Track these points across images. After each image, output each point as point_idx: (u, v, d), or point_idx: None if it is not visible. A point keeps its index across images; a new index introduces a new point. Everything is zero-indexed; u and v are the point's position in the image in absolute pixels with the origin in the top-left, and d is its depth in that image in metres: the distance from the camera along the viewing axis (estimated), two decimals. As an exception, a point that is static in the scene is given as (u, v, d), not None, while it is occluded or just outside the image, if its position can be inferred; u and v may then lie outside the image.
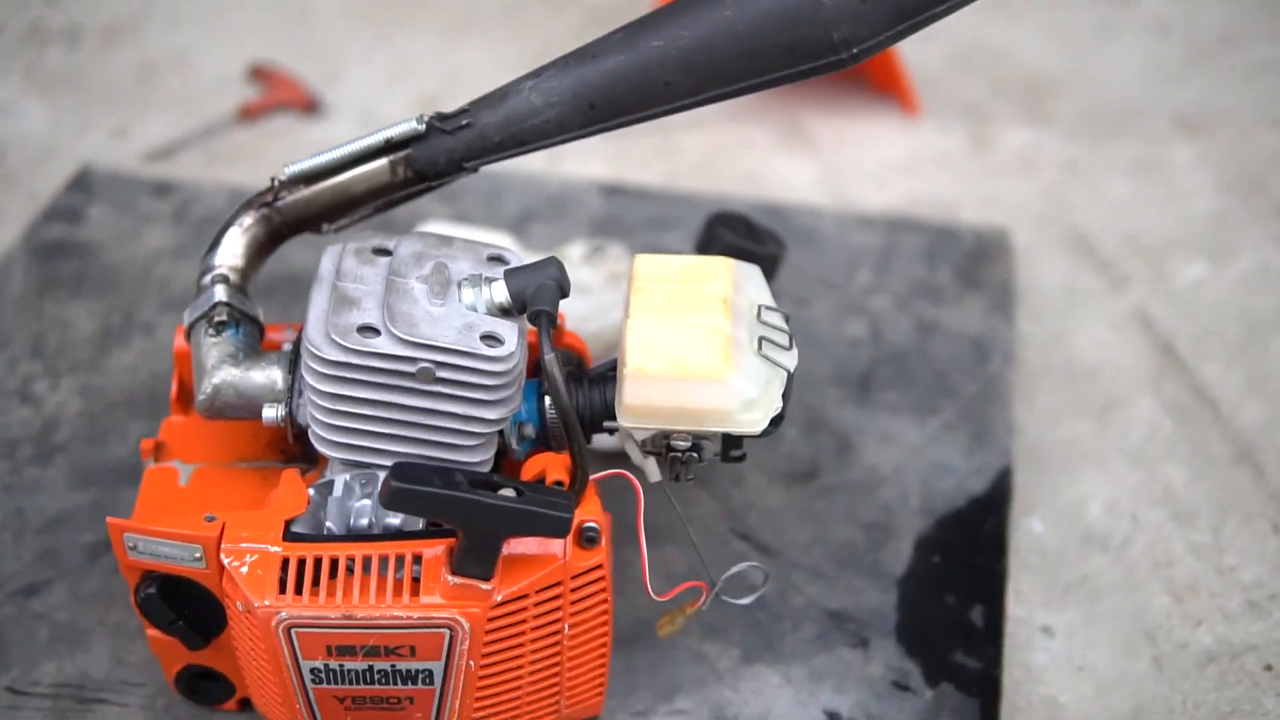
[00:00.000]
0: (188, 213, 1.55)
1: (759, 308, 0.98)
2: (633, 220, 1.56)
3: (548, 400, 0.99)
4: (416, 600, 0.91)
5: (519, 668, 0.96)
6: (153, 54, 1.87)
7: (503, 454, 1.00)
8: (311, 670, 0.94)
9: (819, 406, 1.32)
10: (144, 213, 1.55)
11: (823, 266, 1.48)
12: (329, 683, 0.94)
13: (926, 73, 1.81)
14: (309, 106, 1.77)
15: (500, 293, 0.95)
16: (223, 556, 0.93)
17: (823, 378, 1.34)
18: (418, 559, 0.92)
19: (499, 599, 0.91)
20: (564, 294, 0.95)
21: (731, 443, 0.98)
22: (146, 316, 1.41)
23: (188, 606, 0.97)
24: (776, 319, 0.98)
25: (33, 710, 1.06)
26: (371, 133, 1.02)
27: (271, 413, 0.97)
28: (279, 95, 1.79)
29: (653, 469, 0.98)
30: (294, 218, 1.05)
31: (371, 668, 0.93)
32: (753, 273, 1.01)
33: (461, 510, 0.87)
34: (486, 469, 0.97)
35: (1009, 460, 1.26)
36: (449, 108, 1.02)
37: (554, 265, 0.95)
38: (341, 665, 0.93)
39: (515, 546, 0.93)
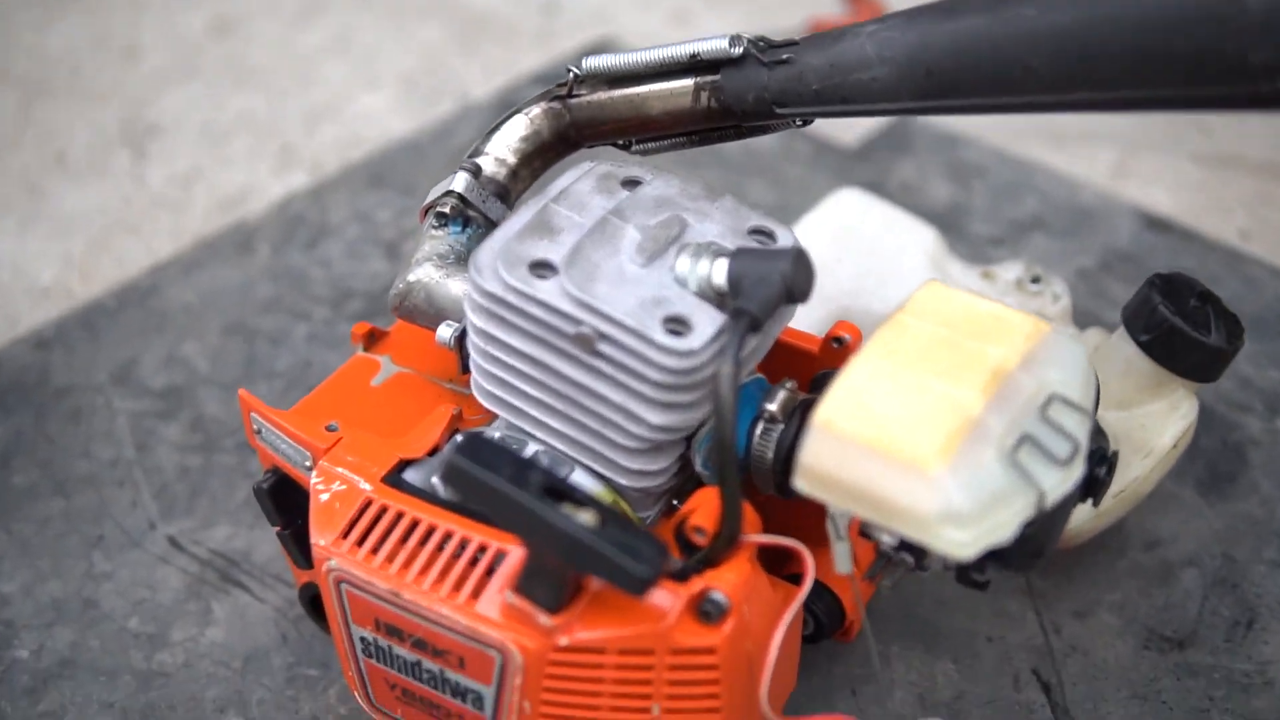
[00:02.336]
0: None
1: (1052, 398, 0.70)
2: (1152, 265, 1.24)
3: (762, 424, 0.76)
4: (471, 604, 0.72)
5: (589, 736, 0.75)
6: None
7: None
8: (361, 639, 0.78)
9: (1245, 565, 0.98)
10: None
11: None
12: (379, 661, 0.78)
13: None
14: (878, 38, 1.57)
15: (720, 272, 0.73)
16: (313, 473, 0.78)
17: (1269, 531, 1.00)
18: (501, 555, 0.73)
19: (564, 641, 0.71)
20: (792, 298, 0.72)
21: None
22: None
23: (301, 517, 0.84)
24: (1072, 421, 0.69)
25: (177, 569, 0.97)
26: (685, 41, 0.82)
27: (445, 332, 0.81)
28: (855, 16, 1.60)
29: (841, 557, 0.73)
30: (585, 121, 0.87)
31: (420, 663, 0.76)
32: (1073, 355, 0.72)
33: (515, 517, 0.67)
34: (654, 483, 0.76)
35: None
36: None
37: (788, 259, 0.71)
38: (390, 647, 0.76)
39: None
